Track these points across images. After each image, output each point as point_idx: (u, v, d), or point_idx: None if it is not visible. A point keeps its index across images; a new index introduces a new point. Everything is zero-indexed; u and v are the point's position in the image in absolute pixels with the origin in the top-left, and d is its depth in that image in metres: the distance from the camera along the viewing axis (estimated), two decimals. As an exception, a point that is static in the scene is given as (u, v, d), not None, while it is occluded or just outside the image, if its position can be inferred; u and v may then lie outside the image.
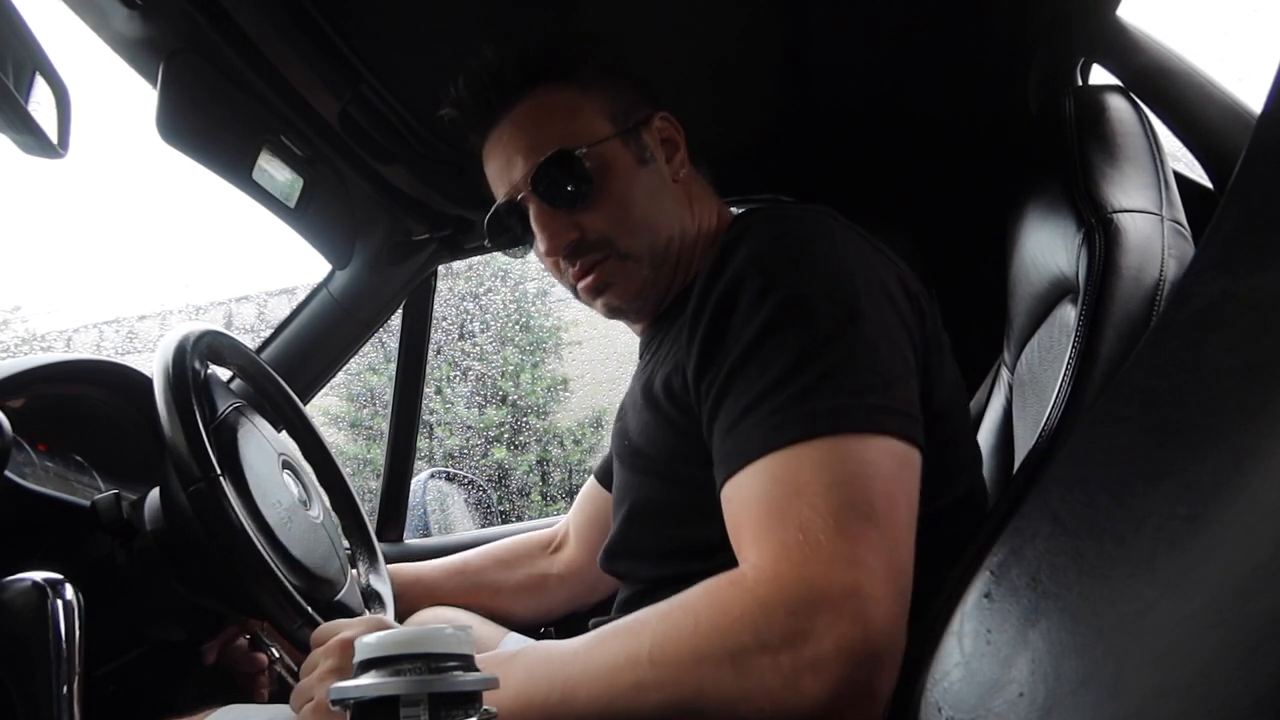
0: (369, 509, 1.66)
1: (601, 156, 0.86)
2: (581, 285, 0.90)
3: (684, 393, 0.75)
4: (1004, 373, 1.11)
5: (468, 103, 0.90)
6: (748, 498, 0.63)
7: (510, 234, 0.92)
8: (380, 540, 1.64)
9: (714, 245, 0.77)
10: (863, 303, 0.68)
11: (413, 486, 1.72)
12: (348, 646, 0.69)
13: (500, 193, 0.92)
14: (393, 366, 1.64)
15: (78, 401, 1.07)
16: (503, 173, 0.91)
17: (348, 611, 0.98)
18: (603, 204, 0.86)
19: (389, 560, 1.15)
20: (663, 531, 0.82)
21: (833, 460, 0.61)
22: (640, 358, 0.98)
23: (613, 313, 0.94)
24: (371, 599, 1.08)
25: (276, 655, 0.96)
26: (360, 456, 7.93)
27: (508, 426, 8.18)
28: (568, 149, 0.85)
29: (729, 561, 0.65)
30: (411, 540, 1.70)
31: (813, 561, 0.57)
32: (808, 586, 0.56)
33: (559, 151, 0.85)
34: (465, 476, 2.14)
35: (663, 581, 0.79)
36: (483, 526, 2.00)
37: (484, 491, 2.13)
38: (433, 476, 1.92)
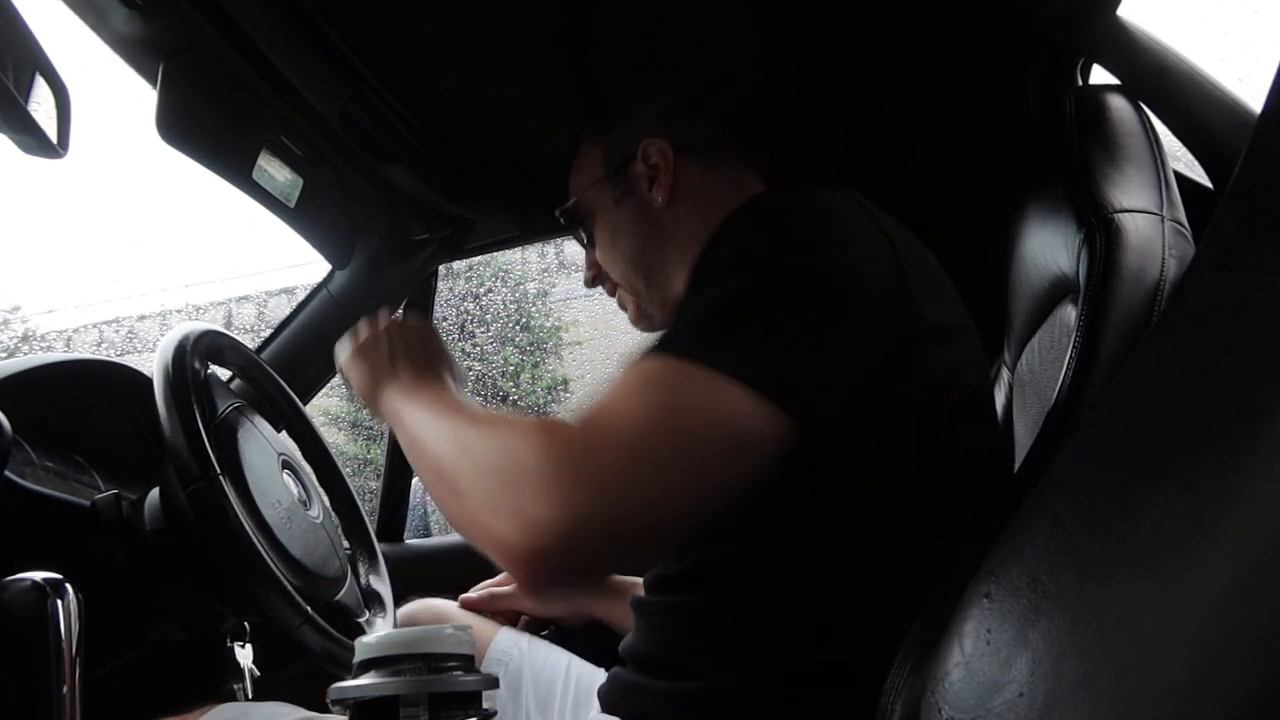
0: (369, 509, 1.66)
1: (589, 203, 0.98)
2: None
3: None
4: (1004, 373, 1.11)
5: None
6: None
7: None
8: (380, 541, 1.64)
9: None
10: (812, 280, 0.68)
11: (412, 487, 1.72)
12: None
13: None
14: (393, 366, 1.64)
15: (78, 401, 1.07)
16: None
17: (347, 611, 0.98)
18: (597, 244, 1.00)
19: (389, 561, 1.15)
20: None
21: (662, 374, 0.63)
22: None
23: (641, 329, 1.04)
24: (371, 599, 1.08)
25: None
26: (360, 456, 7.92)
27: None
28: (567, 204, 1.00)
29: (737, 542, 0.68)
30: (412, 541, 1.70)
31: (580, 441, 0.60)
32: (562, 458, 0.59)
33: (562, 208, 1.00)
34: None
35: (698, 569, 0.78)
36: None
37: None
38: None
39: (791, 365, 0.64)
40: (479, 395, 8.27)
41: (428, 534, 1.78)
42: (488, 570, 1.22)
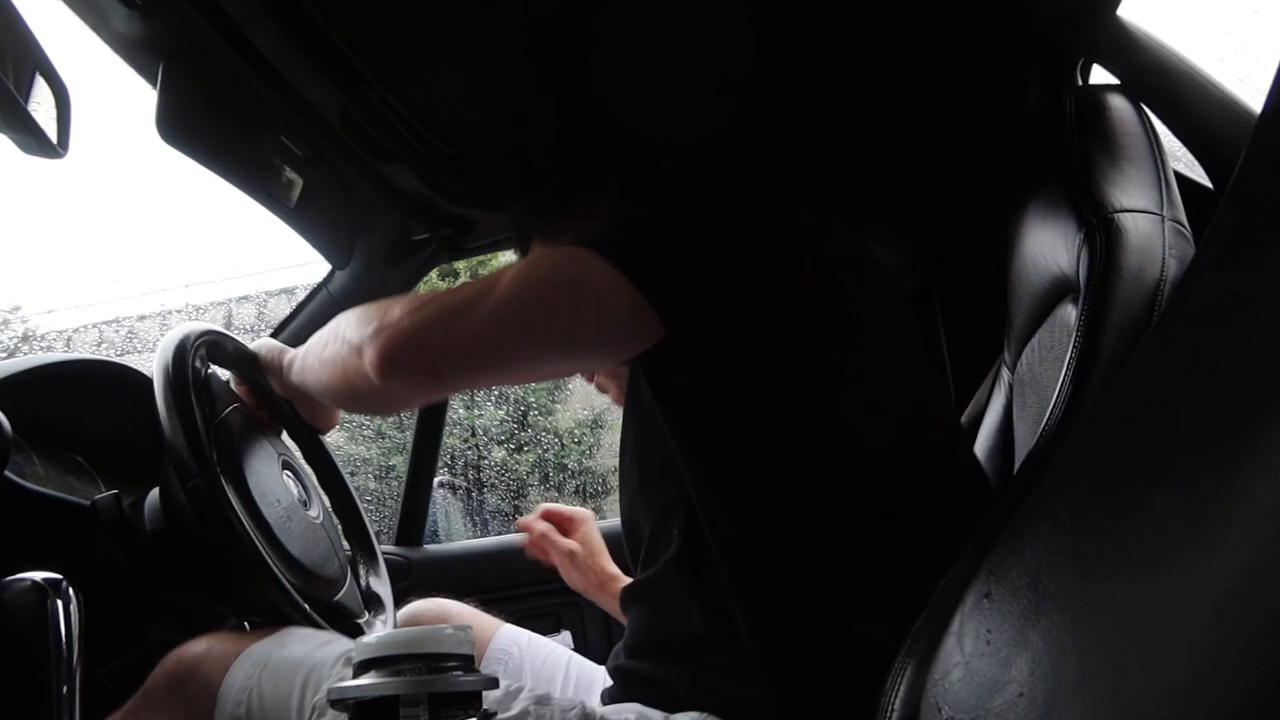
0: (386, 512, 1.66)
1: None
2: None
3: None
4: (1004, 373, 1.11)
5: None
6: None
7: None
8: (400, 544, 1.65)
9: None
10: (714, 224, 0.76)
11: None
12: None
13: None
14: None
15: (78, 401, 1.07)
16: None
17: (347, 612, 0.98)
18: None
19: (408, 564, 1.14)
20: (634, 469, 0.85)
21: (558, 258, 0.76)
22: None
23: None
24: (371, 600, 1.08)
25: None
26: (361, 456, 7.92)
27: (508, 427, 8.19)
28: None
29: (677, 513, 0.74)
30: (430, 546, 1.70)
31: (458, 286, 0.75)
32: (433, 293, 0.74)
33: None
34: (466, 483, 2.14)
35: (658, 531, 0.80)
36: (485, 529, 2.00)
37: (486, 495, 2.13)
38: (439, 485, 1.92)
39: (671, 273, 0.72)
40: (478, 395, 8.28)
41: (435, 538, 1.77)
42: (500, 572, 1.22)
